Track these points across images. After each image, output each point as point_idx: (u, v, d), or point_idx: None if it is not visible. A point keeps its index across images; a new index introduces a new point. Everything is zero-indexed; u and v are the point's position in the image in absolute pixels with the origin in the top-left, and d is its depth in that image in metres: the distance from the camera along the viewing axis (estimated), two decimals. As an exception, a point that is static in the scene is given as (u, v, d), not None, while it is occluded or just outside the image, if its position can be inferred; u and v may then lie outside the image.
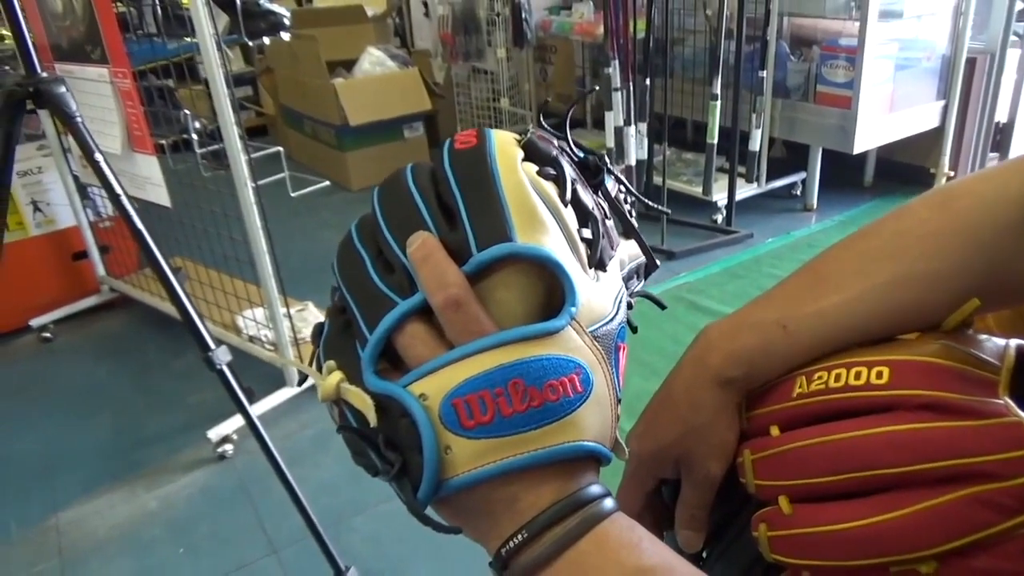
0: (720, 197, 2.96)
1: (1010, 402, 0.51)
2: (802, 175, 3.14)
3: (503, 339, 0.29)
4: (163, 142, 2.21)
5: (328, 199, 3.67)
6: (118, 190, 1.36)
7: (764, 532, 0.53)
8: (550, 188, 0.33)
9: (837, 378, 0.54)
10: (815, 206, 3.10)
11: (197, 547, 1.63)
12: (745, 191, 3.03)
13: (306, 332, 2.16)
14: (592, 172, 0.40)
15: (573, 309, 0.31)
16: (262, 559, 1.58)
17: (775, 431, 0.56)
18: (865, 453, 0.50)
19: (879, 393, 0.52)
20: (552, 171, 0.35)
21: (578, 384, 0.30)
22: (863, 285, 0.45)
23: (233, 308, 2.20)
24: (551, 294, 0.32)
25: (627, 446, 0.45)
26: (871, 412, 0.51)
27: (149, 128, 2.01)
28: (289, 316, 2.05)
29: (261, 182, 1.93)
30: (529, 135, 0.36)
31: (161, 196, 2.05)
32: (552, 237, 0.32)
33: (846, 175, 3.29)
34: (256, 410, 1.82)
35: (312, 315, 2.23)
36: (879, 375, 0.53)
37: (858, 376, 0.53)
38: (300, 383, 2.08)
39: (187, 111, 2.06)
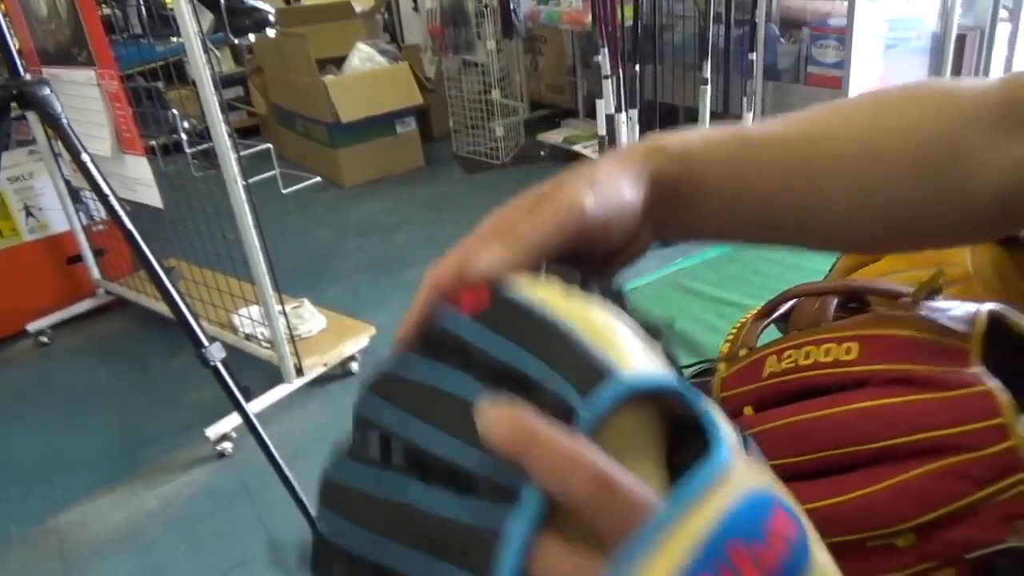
0: (713, 182, 2.96)
1: (980, 372, 0.51)
2: (795, 158, 3.13)
3: (684, 504, 0.21)
4: (153, 144, 2.21)
5: (321, 196, 3.67)
6: (106, 190, 1.36)
7: None
8: (603, 304, 0.27)
9: (807, 355, 0.54)
10: (809, 188, 3.10)
11: (198, 545, 1.64)
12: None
13: (302, 329, 2.16)
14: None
15: (720, 433, 0.23)
16: (263, 556, 1.58)
17: (748, 411, 0.56)
18: (837, 431, 0.50)
19: (849, 369, 0.52)
20: (594, 286, 0.28)
21: (784, 514, 0.23)
22: (824, 129, 0.41)
23: (228, 307, 2.20)
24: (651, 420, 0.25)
25: None
26: (842, 389, 0.51)
27: (138, 129, 2.01)
28: (284, 313, 2.05)
29: (252, 180, 1.93)
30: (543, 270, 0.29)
31: (152, 197, 2.05)
32: (647, 355, 0.25)
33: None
34: (254, 407, 1.83)
35: (308, 312, 2.23)
36: (848, 351, 0.53)
37: (827, 353, 0.53)
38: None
39: (175, 111, 2.05)
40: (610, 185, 0.34)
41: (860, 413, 0.50)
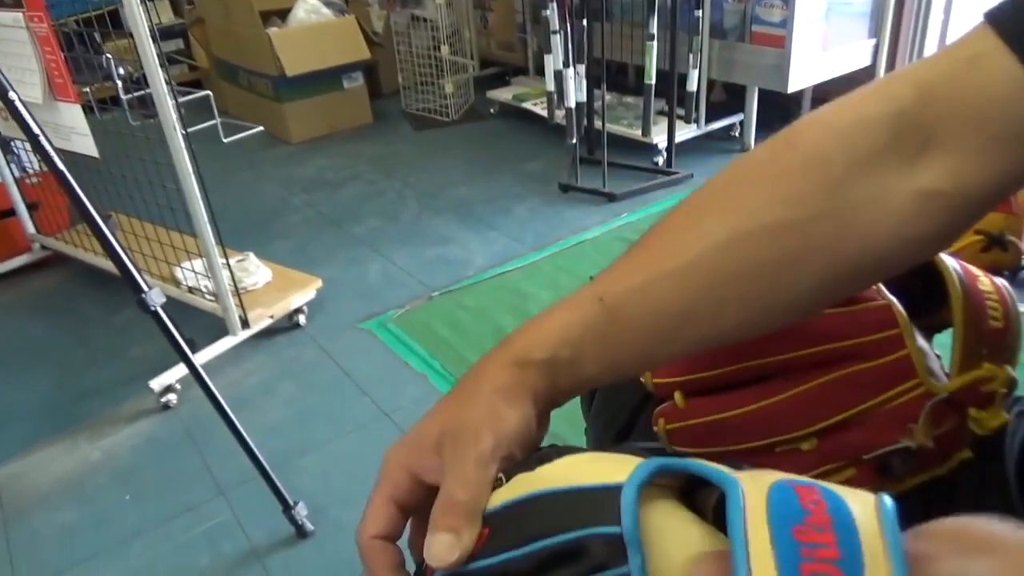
0: (660, 139, 3.00)
1: (880, 287, 0.55)
2: (740, 117, 3.19)
3: (741, 531, 0.25)
4: (89, 96, 2.14)
5: (267, 152, 3.60)
6: (36, 130, 1.32)
7: (663, 426, 0.56)
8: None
9: None
10: (753, 146, 3.16)
11: (143, 493, 1.63)
12: (685, 133, 3.07)
13: (247, 281, 2.14)
14: None
15: (716, 470, 0.29)
16: (210, 501, 1.59)
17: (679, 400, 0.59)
18: (749, 346, 0.53)
19: None
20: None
21: (799, 485, 0.28)
22: (698, 247, 0.38)
23: (171, 260, 2.16)
24: None
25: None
26: None
27: (71, 75, 1.94)
28: (228, 266, 2.02)
29: (192, 129, 1.90)
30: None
31: (88, 146, 1.99)
32: (622, 459, 0.31)
33: (782, 116, 3.35)
34: (199, 359, 1.81)
35: (253, 264, 2.21)
36: None
37: None
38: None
39: (109, 55, 1.98)
40: (505, 428, 0.36)
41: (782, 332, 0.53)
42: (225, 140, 2.14)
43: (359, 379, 1.93)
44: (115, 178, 2.13)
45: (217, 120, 2.15)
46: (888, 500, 0.28)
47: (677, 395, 0.57)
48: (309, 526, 1.48)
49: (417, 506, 0.38)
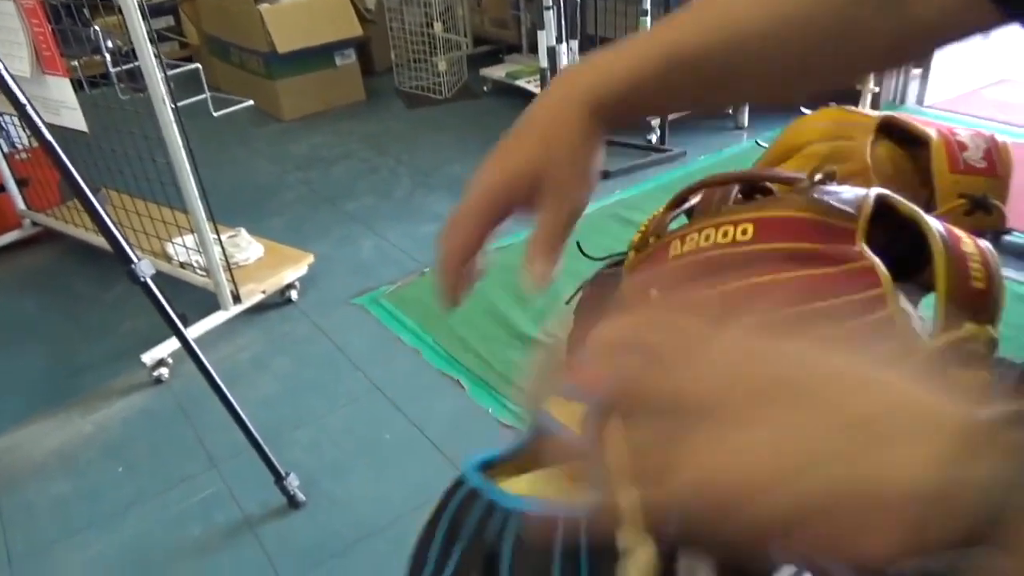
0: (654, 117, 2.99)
1: (864, 248, 0.55)
2: (734, 94, 3.17)
3: None
4: (78, 70, 2.12)
5: (260, 130, 3.58)
6: (23, 99, 1.31)
7: None
8: None
9: (707, 238, 0.57)
10: (746, 124, 3.15)
11: (136, 466, 1.64)
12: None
13: (239, 257, 2.14)
14: None
15: None
16: (203, 473, 1.60)
17: (654, 293, 0.59)
18: (731, 305, 0.53)
19: (744, 249, 0.55)
20: None
21: None
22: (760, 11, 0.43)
23: (162, 235, 2.16)
24: None
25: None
26: (740, 267, 0.55)
27: (59, 48, 1.93)
28: (220, 241, 2.02)
29: (181, 104, 1.88)
30: None
31: (77, 120, 1.98)
32: None
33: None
34: (190, 333, 1.80)
35: (244, 240, 2.20)
36: (744, 232, 0.56)
37: (725, 234, 0.56)
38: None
39: (98, 28, 1.97)
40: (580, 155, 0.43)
41: (751, 289, 0.53)
42: (215, 114, 2.13)
43: (351, 354, 1.93)
44: (105, 153, 2.12)
45: (207, 94, 2.14)
46: None
47: None
48: (301, 497, 1.49)
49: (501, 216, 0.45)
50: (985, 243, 0.57)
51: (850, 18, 0.42)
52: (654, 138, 3.03)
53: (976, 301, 0.54)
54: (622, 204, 2.61)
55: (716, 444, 0.25)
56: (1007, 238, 0.91)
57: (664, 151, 2.95)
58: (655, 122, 3.00)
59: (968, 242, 0.56)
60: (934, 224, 0.57)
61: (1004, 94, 3.18)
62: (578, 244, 0.98)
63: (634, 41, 0.44)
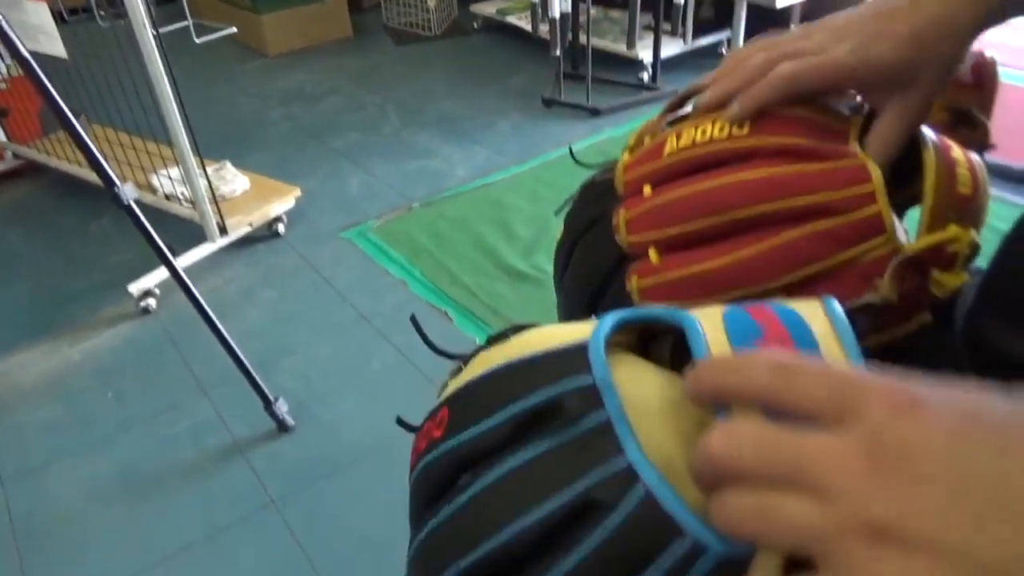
0: (646, 55, 2.95)
1: (857, 146, 0.55)
2: (727, 33, 3.13)
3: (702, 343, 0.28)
4: (59, 7, 2.05)
5: (245, 66, 3.51)
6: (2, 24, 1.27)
7: (636, 283, 0.57)
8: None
9: (703, 133, 0.57)
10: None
11: (125, 392, 1.65)
12: (671, 49, 3.02)
13: (224, 189, 2.12)
14: None
15: (683, 316, 0.31)
16: (192, 399, 1.62)
17: (647, 190, 0.59)
18: (723, 198, 0.53)
19: (740, 144, 0.55)
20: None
21: (757, 307, 0.31)
22: None
23: (147, 167, 2.13)
24: None
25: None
26: (734, 162, 0.55)
27: (35, -29, 1.87)
28: (205, 174, 2.00)
29: (163, 29, 1.84)
30: None
31: (56, 47, 1.93)
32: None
33: (772, 33, 3.30)
34: (177, 264, 1.81)
35: (230, 173, 2.18)
36: (740, 127, 0.56)
37: (721, 129, 0.56)
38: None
39: (74, -52, 1.90)
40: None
41: (744, 183, 0.53)
42: (198, 40, 2.08)
43: (339, 286, 1.94)
44: (86, 84, 2.08)
45: (189, 21, 2.09)
46: (833, 300, 0.29)
47: (652, 251, 0.57)
48: (290, 421, 1.51)
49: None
50: (973, 153, 0.58)
51: None
52: (646, 76, 2.99)
53: (962, 206, 0.54)
54: (612, 141, 2.59)
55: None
56: (989, 159, 0.91)
57: (655, 89, 2.91)
58: (647, 60, 2.96)
59: (957, 150, 0.57)
60: (926, 131, 0.57)
61: (1003, 35, 3.15)
62: (570, 149, 0.98)
63: None
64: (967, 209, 0.55)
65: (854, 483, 0.21)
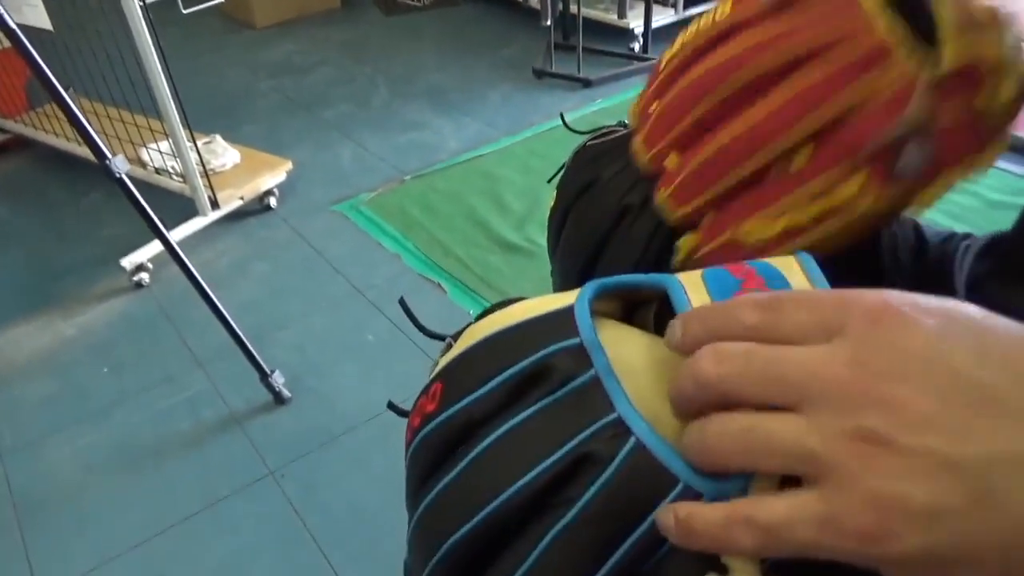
0: (637, 24, 2.93)
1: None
2: (719, 1, 3.11)
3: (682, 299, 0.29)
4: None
5: (233, 37, 3.47)
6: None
7: (663, 195, 0.56)
8: None
9: (711, 18, 0.56)
10: None
11: (120, 366, 1.66)
12: (662, 18, 3.00)
13: (215, 163, 2.11)
14: None
15: (668, 280, 0.32)
16: (188, 372, 1.63)
17: (655, 106, 0.58)
18: (717, 76, 0.52)
19: (722, 22, 0.54)
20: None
21: (736, 264, 0.31)
22: None
23: (136, 141, 2.11)
24: None
25: None
26: (726, 39, 0.53)
27: (16, -61, 1.83)
28: (196, 148, 1.99)
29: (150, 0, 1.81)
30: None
31: (39, 18, 1.90)
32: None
33: (762, 2, 3.28)
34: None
35: (220, 146, 2.17)
36: (722, 12, 0.55)
37: (708, 20, 0.55)
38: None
39: (56, -83, 1.87)
40: None
41: (733, 57, 0.52)
42: (185, 11, 2.06)
43: (332, 259, 1.94)
44: (73, 56, 2.05)
45: (175, -10, 2.07)
46: (806, 255, 0.30)
47: (670, 159, 0.55)
48: (286, 393, 1.52)
49: None
50: None
51: None
52: (637, 46, 2.98)
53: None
54: (604, 113, 2.58)
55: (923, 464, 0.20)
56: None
57: (647, 60, 2.90)
58: (638, 29, 2.94)
59: None
60: None
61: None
62: (561, 116, 0.97)
63: None
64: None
65: (840, 391, 0.21)
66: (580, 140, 0.76)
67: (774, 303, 0.24)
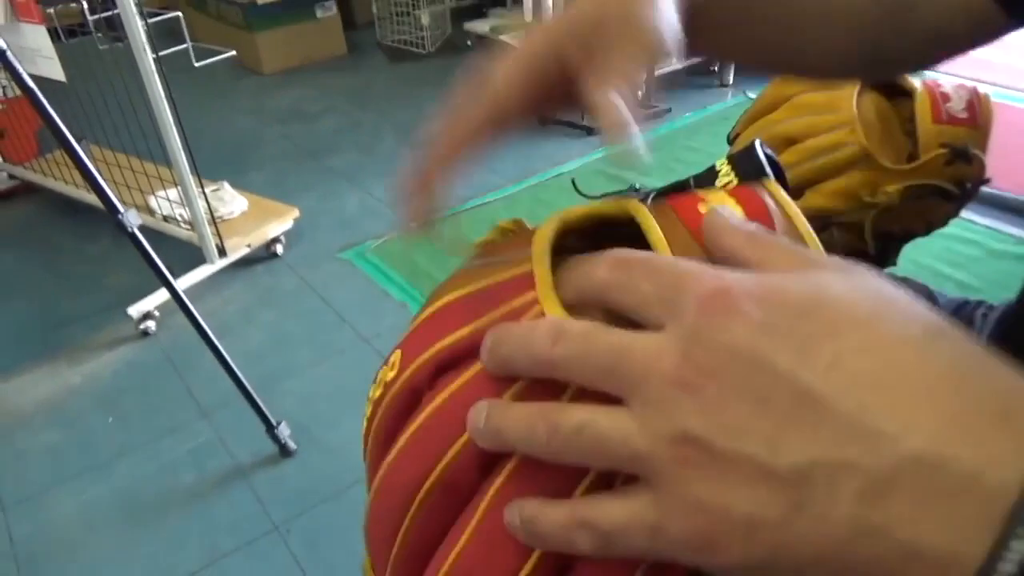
0: (639, 73, 2.98)
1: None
2: (719, 51, 3.17)
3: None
4: (55, 22, 2.06)
5: (240, 83, 3.53)
6: (2, 44, 1.28)
7: None
8: None
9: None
10: (731, 82, 3.15)
11: (126, 416, 1.65)
12: (665, 67, 3.05)
13: (223, 210, 2.13)
14: None
15: None
16: (193, 423, 1.62)
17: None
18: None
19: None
20: None
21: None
22: None
23: (144, 188, 2.14)
24: None
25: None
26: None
27: (33, -6, 1.88)
28: (204, 194, 2.01)
29: (163, 52, 1.85)
30: None
31: (54, 70, 1.94)
32: None
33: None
34: (176, 286, 1.81)
35: (228, 194, 2.19)
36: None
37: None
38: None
39: (73, -27, 1.92)
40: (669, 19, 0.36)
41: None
42: (197, 64, 2.10)
43: (339, 307, 1.95)
44: (84, 106, 2.08)
45: (188, 44, 2.11)
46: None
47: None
48: (292, 445, 1.52)
49: (545, 91, 0.34)
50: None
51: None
52: (639, 95, 3.02)
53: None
54: (607, 161, 2.61)
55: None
56: (986, 189, 0.94)
57: (649, 108, 2.94)
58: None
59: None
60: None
61: (987, 53, 3.20)
62: (573, 182, 0.99)
63: None
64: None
65: (667, 390, 0.21)
66: (583, 187, 0.77)
67: (624, 265, 0.24)
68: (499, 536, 0.25)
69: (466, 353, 0.29)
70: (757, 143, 0.54)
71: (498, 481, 0.26)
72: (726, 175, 0.54)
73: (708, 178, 0.58)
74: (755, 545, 0.20)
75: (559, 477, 0.24)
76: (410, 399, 0.31)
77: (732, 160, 0.53)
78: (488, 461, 0.26)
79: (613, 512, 0.22)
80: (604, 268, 0.25)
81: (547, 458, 0.23)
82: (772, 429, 0.20)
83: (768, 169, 0.49)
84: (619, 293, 0.24)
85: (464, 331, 0.29)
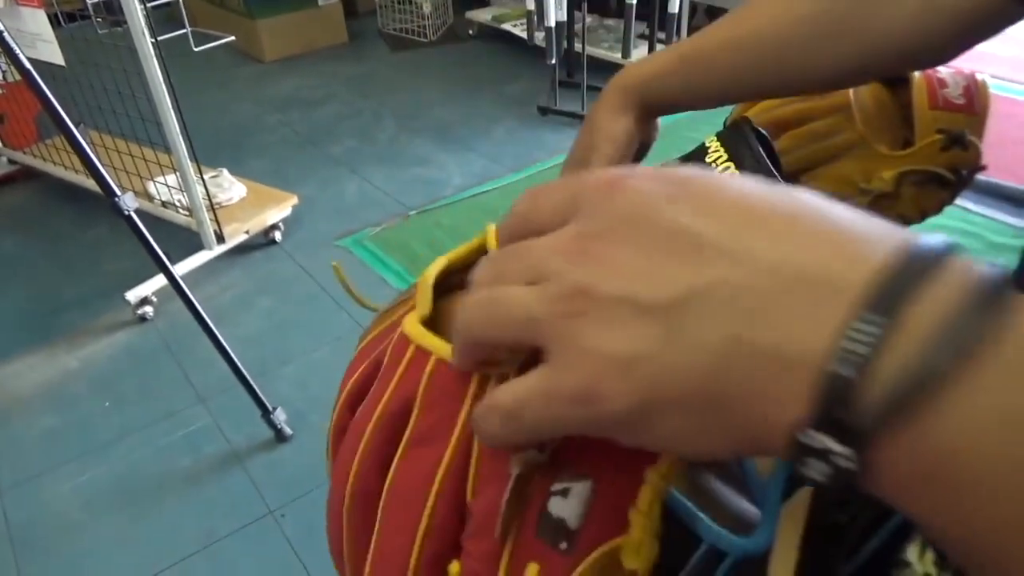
0: (640, 63, 2.97)
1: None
2: (721, 41, 3.15)
3: None
4: (55, 7, 2.06)
5: (240, 71, 3.52)
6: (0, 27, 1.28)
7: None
8: None
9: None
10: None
11: (123, 400, 1.66)
12: (665, 57, 3.04)
13: (221, 197, 2.13)
14: None
15: None
16: (190, 407, 1.62)
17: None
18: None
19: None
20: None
21: None
22: (747, 26, 0.49)
23: (143, 174, 2.13)
24: None
25: None
26: None
27: (32, -22, 1.87)
28: (203, 181, 2.00)
29: (161, 37, 1.84)
30: None
31: (53, 54, 1.93)
32: None
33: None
34: (174, 272, 1.81)
35: (227, 180, 2.18)
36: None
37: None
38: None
39: (72, -43, 1.91)
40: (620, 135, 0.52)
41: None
42: (196, 49, 2.09)
43: (336, 294, 1.95)
44: (84, 90, 2.08)
45: (187, 28, 2.10)
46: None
47: None
48: (288, 430, 1.52)
49: None
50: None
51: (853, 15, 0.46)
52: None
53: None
54: (607, 150, 2.61)
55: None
56: (987, 179, 0.93)
57: (650, 98, 2.93)
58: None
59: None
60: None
61: (988, 45, 3.19)
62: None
63: (676, 44, 0.52)
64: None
65: (563, 261, 0.22)
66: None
67: (539, 191, 0.25)
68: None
69: (368, 384, 0.32)
70: (747, 121, 0.54)
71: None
72: (716, 151, 0.54)
73: (698, 155, 0.57)
74: (633, 383, 0.20)
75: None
76: (338, 435, 0.34)
77: (721, 137, 0.53)
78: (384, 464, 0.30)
79: (514, 388, 0.23)
80: (521, 202, 0.26)
81: (469, 335, 0.25)
82: (651, 266, 0.21)
83: (757, 145, 0.49)
84: (534, 215, 0.25)
85: (365, 367, 0.33)
